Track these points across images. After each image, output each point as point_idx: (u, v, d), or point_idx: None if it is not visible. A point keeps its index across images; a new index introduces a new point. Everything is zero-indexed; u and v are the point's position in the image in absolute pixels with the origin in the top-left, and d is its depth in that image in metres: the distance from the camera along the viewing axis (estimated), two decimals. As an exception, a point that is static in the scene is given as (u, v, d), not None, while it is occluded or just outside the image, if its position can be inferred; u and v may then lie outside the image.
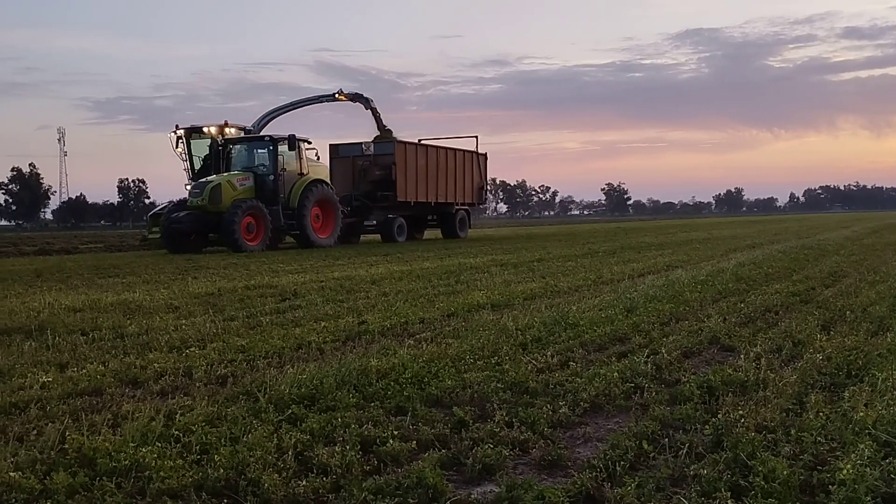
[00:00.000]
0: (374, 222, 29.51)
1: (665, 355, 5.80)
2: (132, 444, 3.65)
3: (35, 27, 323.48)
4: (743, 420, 4.03)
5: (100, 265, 17.25)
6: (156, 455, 3.55)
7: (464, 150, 33.02)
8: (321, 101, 31.01)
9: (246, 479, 3.35)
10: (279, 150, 24.54)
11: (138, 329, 7.47)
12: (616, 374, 5.17)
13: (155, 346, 6.54)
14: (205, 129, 26.64)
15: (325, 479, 3.38)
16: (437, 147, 31.76)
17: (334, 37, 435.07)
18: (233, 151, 25.47)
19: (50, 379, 5.25)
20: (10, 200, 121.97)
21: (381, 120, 30.66)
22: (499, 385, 4.95)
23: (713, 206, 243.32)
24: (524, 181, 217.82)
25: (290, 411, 4.37)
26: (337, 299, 9.94)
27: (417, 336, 6.99)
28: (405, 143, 29.95)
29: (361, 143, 29.58)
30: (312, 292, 10.73)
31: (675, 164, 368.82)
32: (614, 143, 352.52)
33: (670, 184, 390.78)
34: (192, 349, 6.40)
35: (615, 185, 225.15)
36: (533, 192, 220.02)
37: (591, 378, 5.10)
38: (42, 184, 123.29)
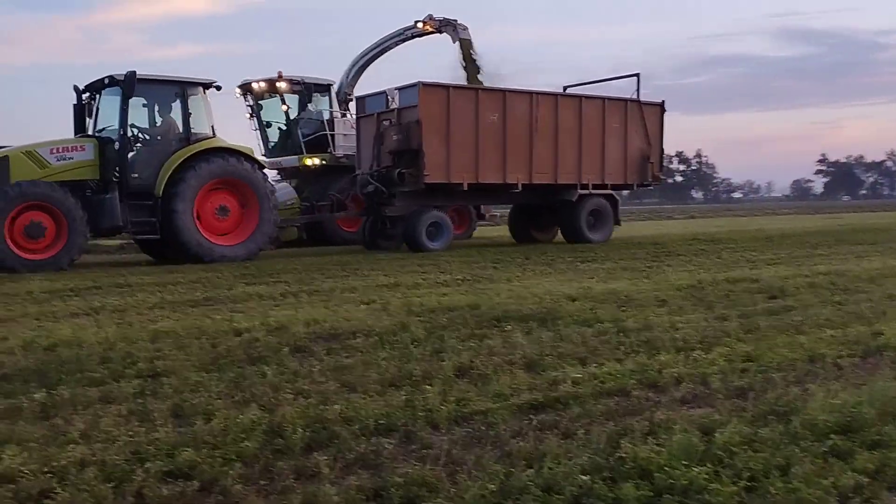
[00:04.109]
0: (390, 216, 18.30)
1: None
2: (683, 462, 3.75)
3: (499, 24, 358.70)
4: None
5: (576, 248, 18.36)
6: (706, 476, 3.60)
7: (602, 98, 19.92)
8: (407, 38, 23.07)
9: (813, 522, 3.22)
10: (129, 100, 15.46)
11: (636, 324, 7.70)
12: None
13: (660, 346, 6.68)
14: (254, 85, 20.75)
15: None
16: (523, 92, 18.76)
17: (799, 0, 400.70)
18: (99, 105, 16.61)
19: (580, 375, 5.67)
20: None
21: (472, 60, 21.15)
22: None
23: None
24: None
25: (830, 442, 4.10)
26: (833, 301, 9.15)
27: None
28: (447, 86, 18.12)
29: (385, 92, 18.33)
30: (802, 290, 10.04)
31: None
32: None
33: None
34: (696, 352, 6.41)
35: None
36: None
37: None
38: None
